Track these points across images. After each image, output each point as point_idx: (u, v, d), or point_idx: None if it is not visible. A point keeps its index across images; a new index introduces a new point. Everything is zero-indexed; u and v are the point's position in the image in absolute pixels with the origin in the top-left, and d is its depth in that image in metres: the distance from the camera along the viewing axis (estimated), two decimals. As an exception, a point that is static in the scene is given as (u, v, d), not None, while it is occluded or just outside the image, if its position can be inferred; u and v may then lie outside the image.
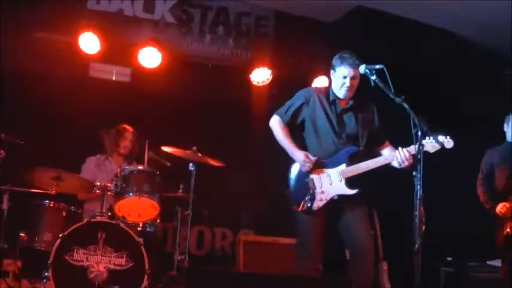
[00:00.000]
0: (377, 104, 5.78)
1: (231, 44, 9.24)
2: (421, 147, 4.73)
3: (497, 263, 7.75)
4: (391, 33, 8.60)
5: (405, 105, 4.82)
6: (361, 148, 5.66)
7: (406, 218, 4.82)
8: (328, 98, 5.76)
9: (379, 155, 5.69)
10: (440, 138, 5.28)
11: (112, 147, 7.56)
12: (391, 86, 4.96)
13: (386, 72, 5.04)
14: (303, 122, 5.78)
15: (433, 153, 5.30)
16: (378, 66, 5.18)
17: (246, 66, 9.16)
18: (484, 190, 7.26)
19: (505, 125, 7.29)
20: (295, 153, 5.62)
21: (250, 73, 9.09)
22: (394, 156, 5.44)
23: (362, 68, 5.33)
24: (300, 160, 5.56)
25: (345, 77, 5.59)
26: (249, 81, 9.13)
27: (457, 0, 8.18)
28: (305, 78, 8.78)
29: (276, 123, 5.82)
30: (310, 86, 8.30)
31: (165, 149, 6.97)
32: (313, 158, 5.53)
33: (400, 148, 5.38)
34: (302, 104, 5.76)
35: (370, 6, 8.62)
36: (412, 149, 5.19)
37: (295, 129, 5.83)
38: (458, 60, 8.94)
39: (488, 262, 8.05)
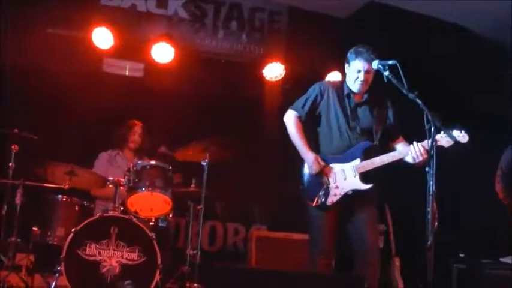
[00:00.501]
0: (392, 99, 5.74)
1: (244, 39, 9.23)
2: (434, 144, 4.71)
3: (511, 260, 7.73)
4: (403, 29, 8.57)
5: (418, 101, 4.80)
6: (375, 143, 5.63)
7: (419, 214, 4.81)
8: (342, 92, 5.73)
9: (393, 150, 5.66)
10: (455, 133, 5.25)
11: (122, 142, 7.58)
12: (404, 81, 4.94)
13: (399, 68, 5.02)
14: (318, 115, 5.74)
15: (446, 149, 5.28)
16: (391, 62, 5.17)
17: (259, 61, 9.15)
18: (503, 186, 7.25)
19: None
20: (306, 154, 5.56)
21: (263, 68, 9.08)
22: (408, 150, 5.41)
23: (375, 64, 5.32)
24: (309, 162, 5.51)
25: (359, 71, 5.56)
26: (262, 77, 9.12)
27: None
28: (318, 74, 8.75)
29: (290, 119, 5.74)
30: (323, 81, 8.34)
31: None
32: (322, 163, 5.49)
33: (414, 142, 5.35)
34: (317, 97, 5.71)
35: (383, 1, 8.60)
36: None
37: (309, 123, 5.78)
38: (471, 55, 8.91)
39: (501, 259, 8.02)
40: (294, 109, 5.77)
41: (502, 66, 8.99)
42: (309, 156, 5.53)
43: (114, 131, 7.65)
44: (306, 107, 5.71)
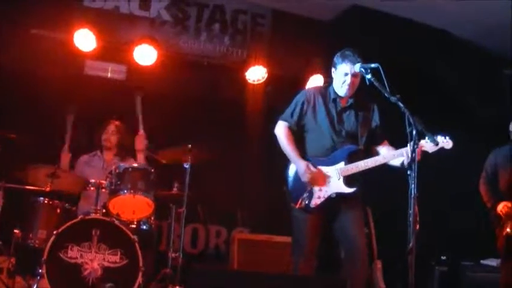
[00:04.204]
0: (377, 103, 5.75)
1: (226, 42, 9.23)
2: (415, 147, 4.74)
3: (491, 262, 7.77)
4: (387, 33, 8.60)
5: (400, 104, 4.83)
6: (360, 147, 5.65)
7: (401, 217, 4.83)
8: (328, 97, 5.74)
9: (377, 154, 5.68)
10: (439, 138, 5.28)
11: (99, 142, 7.55)
12: (386, 85, 4.96)
13: (381, 71, 5.04)
14: (305, 121, 5.74)
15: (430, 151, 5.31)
16: (373, 65, 5.20)
17: (241, 64, 9.14)
18: (486, 189, 7.26)
19: (511, 125, 7.25)
20: (297, 162, 5.56)
21: (246, 71, 9.07)
22: (392, 155, 5.44)
23: (357, 67, 5.35)
24: (301, 170, 5.51)
25: (346, 74, 5.56)
26: (244, 80, 9.11)
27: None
28: (300, 77, 8.79)
29: (281, 129, 5.75)
30: (306, 84, 8.39)
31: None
32: (314, 170, 5.49)
33: (408, 146, 5.35)
34: (304, 104, 5.73)
35: (366, 5, 8.62)
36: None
37: (296, 129, 5.78)
38: (453, 59, 8.96)
39: (482, 261, 8.07)
40: (283, 119, 5.79)
41: (486, 70, 9.06)
42: (300, 164, 5.53)
43: (93, 134, 7.63)
44: (295, 116, 5.73)
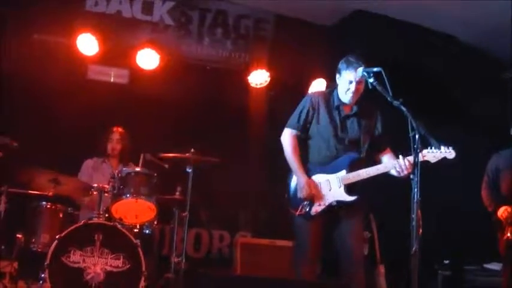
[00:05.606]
0: (380, 109, 5.73)
1: (229, 46, 9.23)
2: (418, 151, 4.73)
3: (495, 266, 7.75)
4: (390, 37, 8.60)
5: (403, 108, 4.82)
6: (362, 155, 5.63)
7: (404, 222, 4.82)
8: (332, 103, 5.71)
9: (379, 161, 5.67)
10: (442, 149, 5.26)
11: (104, 149, 7.56)
12: (389, 89, 4.95)
13: (384, 75, 5.03)
14: (309, 127, 5.72)
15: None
16: (376, 69, 5.18)
17: (244, 68, 9.15)
18: (488, 193, 7.25)
19: None
20: (299, 176, 5.54)
21: (248, 75, 9.08)
22: (393, 164, 5.41)
23: (360, 71, 5.33)
24: (301, 185, 5.50)
25: (350, 82, 5.52)
26: (247, 83, 9.12)
27: (456, 2, 8.19)
28: (303, 81, 8.80)
29: (286, 138, 5.71)
30: (308, 88, 8.37)
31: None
32: (313, 190, 5.47)
33: (401, 157, 5.35)
34: (309, 110, 5.69)
35: (369, 10, 8.61)
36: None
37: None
38: (457, 63, 8.95)
39: (485, 265, 8.05)
40: (289, 127, 5.75)
41: (488, 72, 9.06)
42: (301, 180, 5.52)
43: (96, 139, 7.63)
44: (301, 121, 5.70)
